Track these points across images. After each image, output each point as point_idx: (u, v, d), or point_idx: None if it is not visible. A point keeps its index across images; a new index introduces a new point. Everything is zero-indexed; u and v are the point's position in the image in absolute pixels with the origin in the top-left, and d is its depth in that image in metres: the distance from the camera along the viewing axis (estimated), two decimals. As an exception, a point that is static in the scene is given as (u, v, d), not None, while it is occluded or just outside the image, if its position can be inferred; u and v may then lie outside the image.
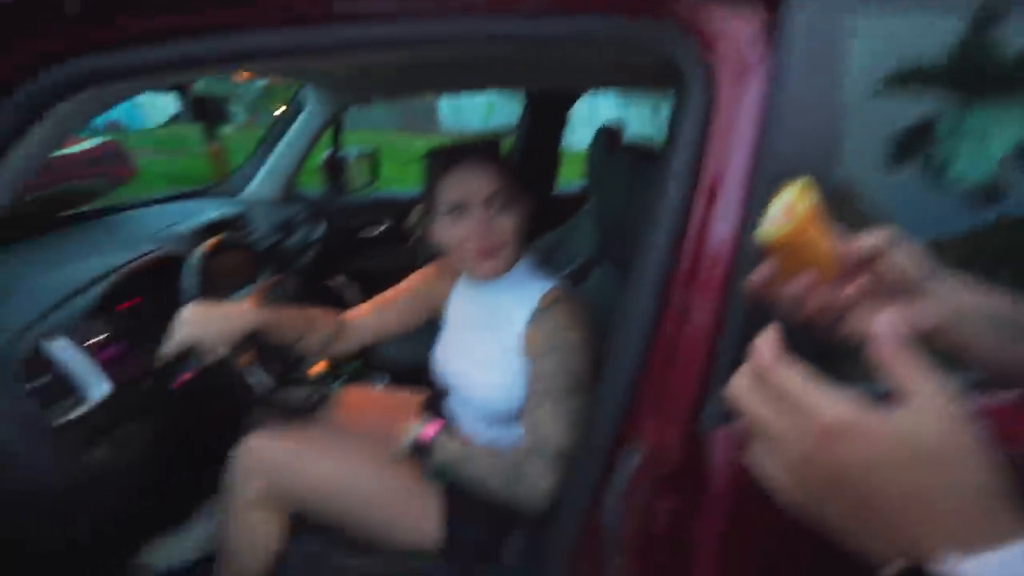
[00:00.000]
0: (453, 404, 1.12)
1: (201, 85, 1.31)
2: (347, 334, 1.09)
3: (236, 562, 0.99)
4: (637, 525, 0.67)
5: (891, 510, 0.27)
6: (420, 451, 0.89)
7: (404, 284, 1.16)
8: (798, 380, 0.30)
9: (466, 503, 0.98)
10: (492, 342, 0.98)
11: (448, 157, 0.96)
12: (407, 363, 1.70)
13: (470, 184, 0.92)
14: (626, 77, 1.65)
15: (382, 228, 2.19)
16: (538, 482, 0.85)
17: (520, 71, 1.62)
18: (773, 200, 0.42)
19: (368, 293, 1.99)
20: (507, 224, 0.93)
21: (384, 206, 2.21)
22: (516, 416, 0.97)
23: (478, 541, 0.99)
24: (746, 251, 0.59)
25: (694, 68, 0.62)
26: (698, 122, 0.63)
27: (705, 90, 0.62)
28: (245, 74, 1.40)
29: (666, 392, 0.64)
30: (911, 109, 0.62)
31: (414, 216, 1.08)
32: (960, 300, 0.44)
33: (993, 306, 0.45)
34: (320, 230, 1.98)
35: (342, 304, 2.02)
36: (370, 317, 1.13)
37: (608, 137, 1.67)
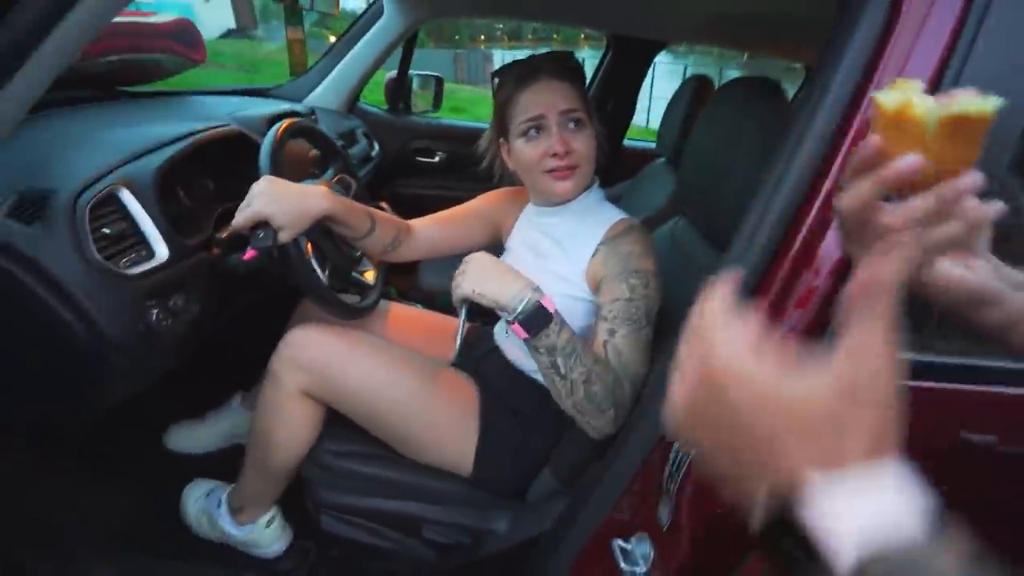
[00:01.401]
0: (501, 332, 1.09)
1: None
2: (411, 240, 1.06)
3: (267, 447, 0.99)
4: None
5: (758, 448, 0.29)
6: (534, 320, 0.78)
7: (470, 204, 1.12)
8: (716, 320, 0.32)
9: (501, 438, 0.96)
10: (557, 265, 0.94)
11: (522, 72, 0.91)
12: (444, 292, 1.68)
13: (546, 100, 0.88)
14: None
15: (438, 157, 2.14)
16: (626, 405, 0.81)
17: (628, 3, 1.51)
18: (888, 94, 0.36)
19: (413, 219, 1.99)
20: (583, 142, 0.90)
21: (444, 134, 2.15)
22: None
23: (507, 478, 0.98)
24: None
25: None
26: (866, 47, 0.55)
27: (885, 11, 0.54)
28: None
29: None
30: None
31: (484, 140, 1.05)
32: (1008, 274, 0.42)
33: None
34: (377, 149, 1.94)
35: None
36: (435, 229, 1.09)
37: (696, 87, 1.58)
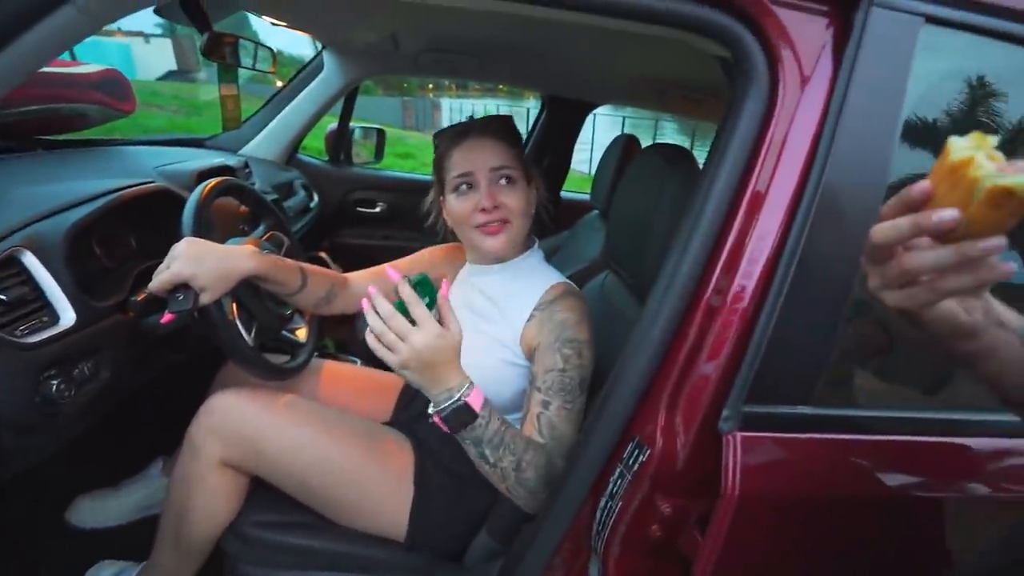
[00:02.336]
0: None
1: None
2: (346, 293, 1.05)
3: (183, 521, 0.92)
4: (632, 526, 0.64)
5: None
6: (456, 417, 0.74)
7: (409, 257, 1.13)
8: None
9: (437, 499, 0.94)
10: (493, 327, 0.95)
11: (456, 131, 0.95)
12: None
13: (477, 156, 0.91)
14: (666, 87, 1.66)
15: (379, 207, 2.14)
16: (551, 484, 0.79)
17: (557, 69, 1.61)
18: (959, 146, 0.39)
19: (353, 270, 1.97)
20: (514, 200, 0.91)
21: (385, 185, 2.17)
22: (504, 410, 0.94)
23: (443, 540, 0.95)
24: (783, 264, 0.58)
25: (757, 69, 0.61)
26: (753, 129, 0.62)
27: (765, 96, 0.61)
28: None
29: (684, 392, 0.62)
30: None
31: (428, 200, 1.07)
32: (992, 304, 0.45)
33: (1015, 319, 0.46)
34: (316, 199, 1.93)
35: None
36: (372, 282, 1.08)
37: (627, 145, 1.68)
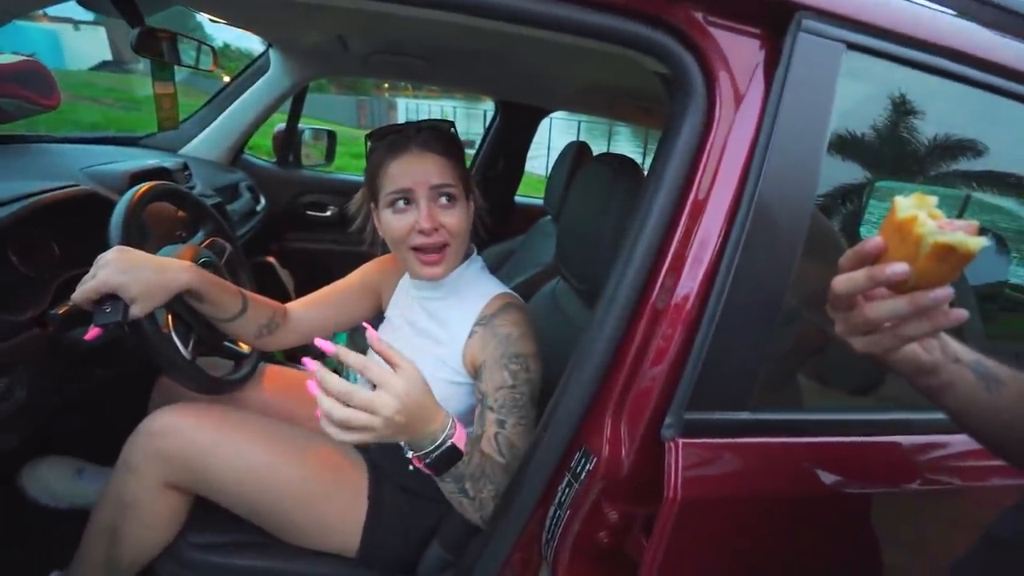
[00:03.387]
0: None
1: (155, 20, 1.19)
2: (288, 324, 1.00)
3: (114, 545, 0.86)
4: (580, 534, 0.65)
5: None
6: (444, 461, 0.69)
7: (347, 279, 1.07)
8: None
9: (388, 512, 0.93)
10: (436, 347, 0.92)
11: (394, 140, 0.86)
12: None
13: (417, 171, 0.82)
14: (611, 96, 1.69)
15: (329, 211, 2.09)
16: None
17: (508, 75, 1.62)
18: (904, 205, 0.43)
19: (303, 275, 1.92)
20: (453, 219, 0.85)
21: (336, 188, 2.12)
22: None
23: (396, 552, 0.93)
24: (722, 271, 0.61)
25: (695, 86, 0.63)
26: (691, 145, 0.64)
27: (703, 112, 0.63)
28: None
29: (629, 401, 0.63)
30: (890, 152, 0.67)
31: (355, 203, 0.98)
32: (947, 342, 0.49)
33: (973, 357, 0.50)
34: (262, 202, 1.86)
35: (275, 282, 1.90)
36: (313, 310, 1.03)
37: (577, 152, 1.71)
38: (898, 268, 0.42)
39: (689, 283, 0.63)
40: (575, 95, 1.83)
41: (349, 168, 4.60)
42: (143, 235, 0.90)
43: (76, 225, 1.02)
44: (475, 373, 0.87)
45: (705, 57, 0.62)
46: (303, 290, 1.77)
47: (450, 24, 0.66)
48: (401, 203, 0.84)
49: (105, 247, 0.81)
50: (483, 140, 2.24)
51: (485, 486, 0.73)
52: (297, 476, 0.88)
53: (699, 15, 0.61)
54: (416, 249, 0.86)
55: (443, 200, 0.85)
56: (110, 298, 0.75)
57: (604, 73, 1.38)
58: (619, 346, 0.64)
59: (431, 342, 0.92)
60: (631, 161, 0.99)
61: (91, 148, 1.44)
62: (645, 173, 0.95)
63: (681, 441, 0.59)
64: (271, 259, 1.94)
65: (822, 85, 0.60)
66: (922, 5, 0.67)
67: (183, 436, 0.85)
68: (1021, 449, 0.50)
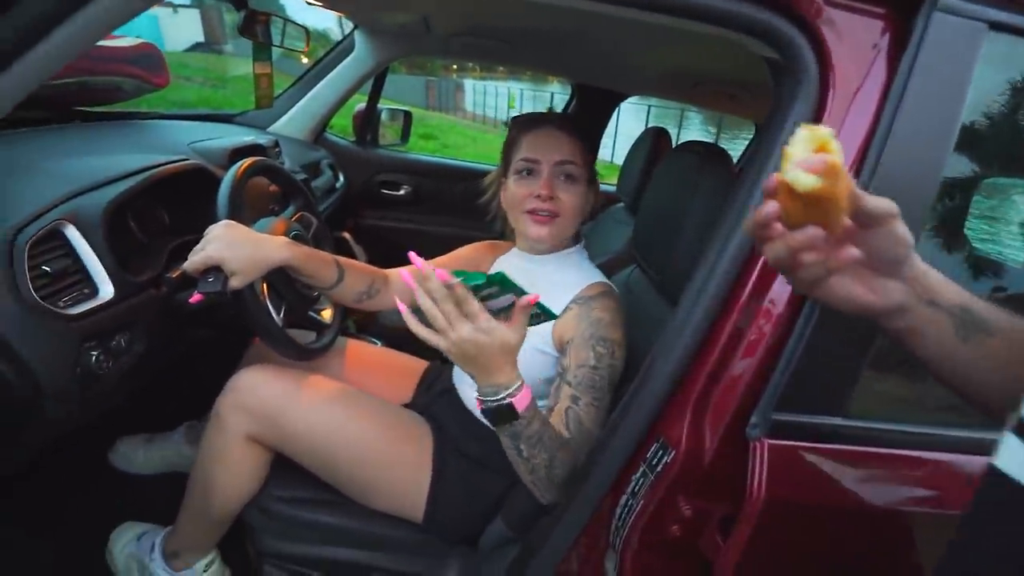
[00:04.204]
0: (460, 373, 1.09)
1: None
2: (388, 289, 1.05)
3: (208, 493, 0.95)
4: (651, 525, 0.65)
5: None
6: (499, 415, 0.73)
7: (452, 254, 1.13)
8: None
9: (454, 483, 0.96)
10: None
11: (531, 118, 0.97)
12: (401, 330, 1.68)
13: (545, 145, 0.93)
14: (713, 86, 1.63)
15: (403, 190, 2.15)
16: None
17: (587, 57, 1.59)
18: (795, 139, 0.41)
19: (375, 250, 1.99)
20: (570, 197, 0.93)
21: (411, 168, 2.17)
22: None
23: (459, 523, 0.97)
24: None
25: (807, 71, 0.59)
26: (803, 119, 0.60)
27: (815, 100, 0.60)
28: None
29: (713, 396, 0.62)
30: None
31: (489, 178, 1.09)
32: (928, 284, 0.46)
33: (956, 300, 0.46)
34: (342, 180, 1.94)
35: (349, 256, 1.99)
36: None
37: (656, 139, 1.66)
38: (767, 207, 0.42)
39: (785, 284, 0.60)
40: (656, 79, 1.77)
41: (416, 148, 4.69)
42: (241, 210, 0.96)
43: (182, 196, 1.11)
44: (561, 348, 0.90)
45: (820, 39, 0.58)
46: (374, 264, 1.85)
47: (538, 4, 0.65)
48: (526, 172, 0.94)
49: (209, 217, 0.88)
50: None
51: (540, 453, 0.75)
52: (364, 436, 0.93)
53: (817, -7, 0.57)
54: (530, 212, 0.93)
55: (563, 177, 0.93)
56: (214, 269, 0.81)
57: (689, 57, 1.32)
58: (706, 340, 0.62)
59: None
60: (720, 150, 0.95)
61: (193, 124, 1.55)
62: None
63: (767, 442, 0.57)
64: (346, 234, 2.03)
65: (958, 71, 0.55)
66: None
67: (264, 392, 0.92)
68: (998, 404, 0.43)
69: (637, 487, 0.66)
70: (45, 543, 1.13)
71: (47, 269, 0.73)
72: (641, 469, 0.66)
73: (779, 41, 0.59)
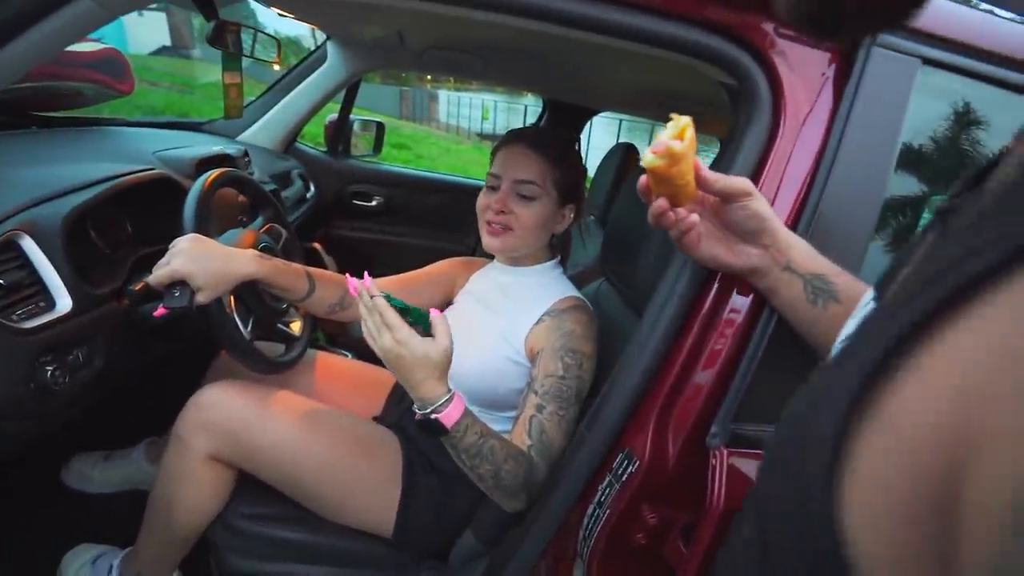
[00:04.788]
0: None
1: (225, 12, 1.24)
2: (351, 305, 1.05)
3: (170, 513, 0.92)
4: (617, 533, 0.66)
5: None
6: (428, 427, 0.76)
7: (426, 269, 1.14)
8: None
9: (424, 497, 0.96)
10: (502, 323, 0.97)
11: (509, 136, 0.99)
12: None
13: (509, 163, 0.96)
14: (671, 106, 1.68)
15: (375, 201, 2.14)
16: (535, 488, 0.82)
17: (559, 75, 1.62)
18: (664, 129, 0.53)
19: (347, 262, 1.97)
20: (526, 213, 0.95)
21: (382, 179, 2.17)
22: (501, 406, 0.96)
23: (429, 537, 0.97)
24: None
25: (761, 97, 0.63)
26: (753, 155, 0.64)
27: (768, 124, 0.63)
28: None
29: (675, 407, 0.64)
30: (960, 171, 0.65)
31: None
32: (788, 254, 0.57)
33: (814, 268, 0.56)
34: (312, 190, 1.92)
35: (319, 268, 1.97)
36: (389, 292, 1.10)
37: (625, 154, 1.70)
38: (640, 181, 0.58)
39: (743, 294, 0.63)
40: (624, 97, 1.82)
41: (388, 158, 4.69)
42: (209, 222, 0.95)
43: (147, 206, 1.09)
44: (532, 359, 0.92)
45: (773, 69, 0.62)
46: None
47: (507, 26, 0.67)
48: (491, 187, 0.98)
49: (175, 228, 0.87)
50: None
51: (482, 464, 0.77)
52: (331, 452, 0.92)
53: (770, 27, 0.61)
54: (488, 223, 0.97)
55: (519, 195, 0.95)
56: (180, 284, 0.80)
57: (657, 76, 1.37)
58: (668, 352, 0.65)
59: (499, 318, 0.98)
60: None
61: (159, 132, 1.52)
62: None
63: (726, 451, 0.60)
64: (317, 245, 2.01)
65: (894, 100, 0.59)
66: (1004, 18, 0.65)
67: (226, 409, 0.91)
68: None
69: (603, 497, 0.68)
70: None
71: (5, 280, 0.71)
72: (607, 479, 0.68)
73: (735, 69, 0.63)
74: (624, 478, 0.66)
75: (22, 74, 0.57)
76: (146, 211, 1.09)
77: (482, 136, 18.60)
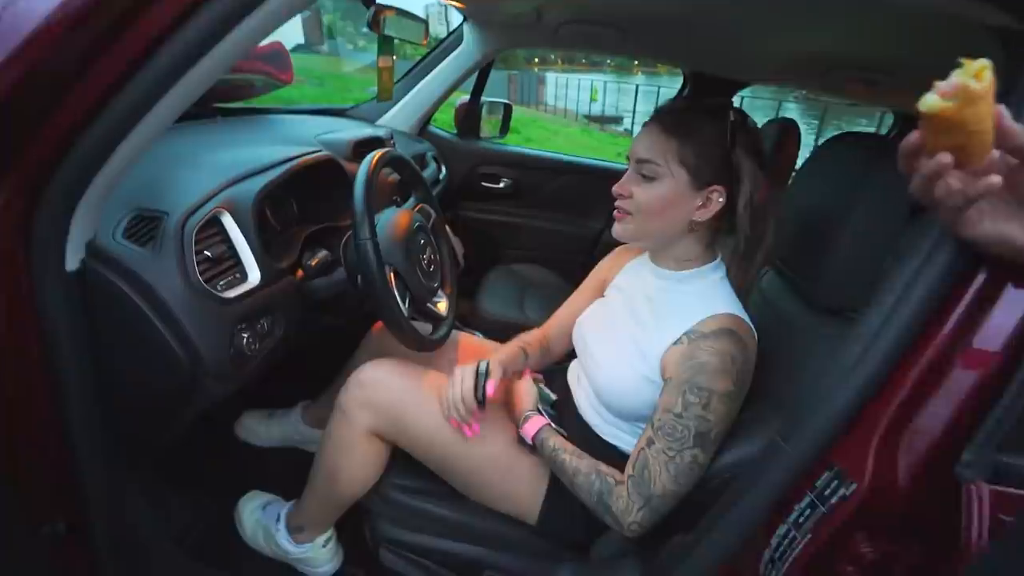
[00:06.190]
0: (573, 373, 1.06)
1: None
2: (555, 343, 1.11)
3: (333, 480, 0.99)
4: (819, 562, 0.58)
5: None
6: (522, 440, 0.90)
7: (584, 285, 1.14)
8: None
9: (567, 490, 0.93)
10: (639, 337, 0.89)
11: (652, 114, 0.89)
12: (503, 322, 1.67)
13: (637, 143, 0.87)
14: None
15: (503, 183, 2.14)
16: (624, 517, 0.79)
17: (704, 43, 1.49)
18: (955, 71, 0.40)
19: (473, 242, 1.99)
20: (643, 194, 0.85)
21: (511, 161, 2.16)
22: (629, 417, 0.90)
23: (573, 529, 0.94)
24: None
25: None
26: None
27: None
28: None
29: (908, 427, 0.54)
30: None
31: None
32: None
33: None
34: (444, 172, 1.96)
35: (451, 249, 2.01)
36: (567, 322, 1.10)
37: (784, 132, 1.53)
38: (910, 138, 0.44)
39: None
40: (782, 66, 1.62)
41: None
42: (374, 201, 0.98)
43: (310, 185, 1.16)
44: (663, 380, 0.84)
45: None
46: (472, 257, 1.86)
47: None
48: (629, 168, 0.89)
49: (336, 206, 0.90)
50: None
51: (561, 474, 0.88)
52: (482, 443, 0.93)
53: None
54: (615, 208, 0.90)
55: (642, 175, 0.86)
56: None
57: (829, 39, 1.19)
58: (904, 357, 0.54)
59: (640, 329, 0.90)
60: (888, 143, 0.84)
61: (314, 118, 1.62)
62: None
63: (987, 488, 0.49)
64: (446, 226, 2.06)
65: None
66: None
67: (387, 390, 0.95)
68: None
69: (803, 518, 0.59)
70: (183, 501, 1.23)
71: (208, 254, 0.77)
72: (807, 498, 0.59)
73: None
74: (833, 500, 0.57)
75: (238, 60, 0.61)
76: (309, 191, 1.16)
77: (590, 118, 18.21)
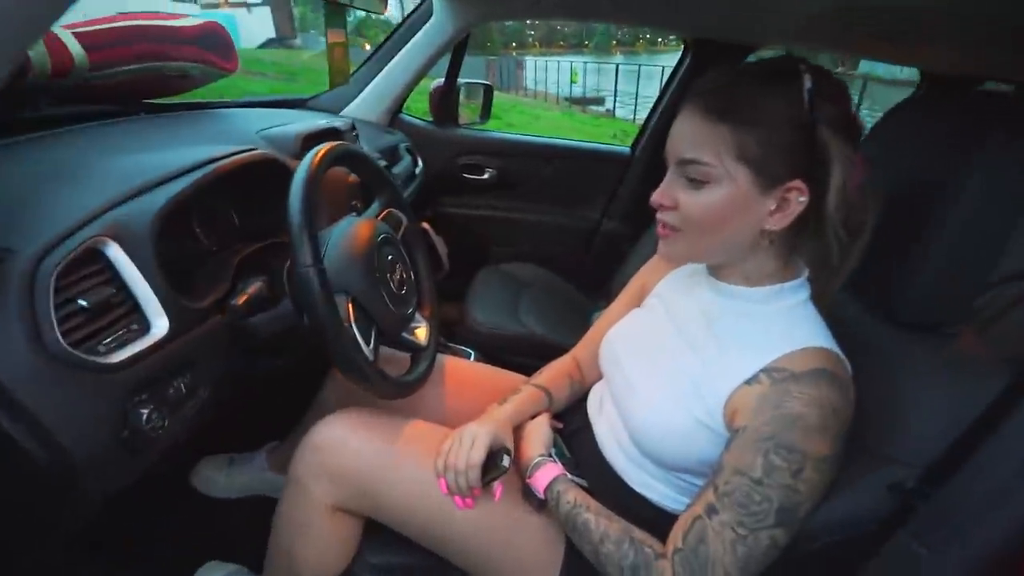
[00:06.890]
0: (595, 397, 0.85)
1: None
2: (587, 371, 0.93)
3: (291, 568, 0.79)
4: None
5: None
6: (534, 497, 0.73)
7: (619, 300, 0.92)
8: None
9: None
10: (693, 368, 0.67)
11: (692, 89, 0.63)
12: (498, 337, 1.46)
13: (676, 136, 0.63)
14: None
15: (487, 174, 1.92)
16: None
17: (709, 4, 1.28)
18: None
19: (458, 242, 1.78)
20: (693, 204, 0.61)
21: (494, 148, 1.93)
22: (670, 467, 0.70)
23: None
24: None
25: None
26: None
27: None
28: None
29: None
30: None
31: None
32: None
33: None
34: (420, 165, 1.74)
35: (431, 252, 1.79)
36: (593, 351, 0.89)
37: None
38: None
39: None
40: (798, 25, 1.41)
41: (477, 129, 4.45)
42: (317, 206, 0.76)
43: (254, 193, 0.93)
44: (730, 430, 0.62)
45: None
46: (457, 258, 1.65)
47: None
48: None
49: (281, 216, 0.69)
50: (666, 87, 1.90)
51: (581, 541, 0.69)
52: (481, 504, 0.73)
53: None
54: (659, 223, 0.66)
55: (687, 180, 0.62)
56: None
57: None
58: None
59: (695, 358, 0.68)
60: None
61: (263, 112, 1.39)
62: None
63: None
64: (426, 225, 1.83)
65: None
66: None
67: (350, 453, 0.75)
68: None
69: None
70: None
71: (83, 303, 0.55)
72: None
73: None
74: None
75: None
76: (252, 200, 0.94)
77: (571, 100, 17.92)
